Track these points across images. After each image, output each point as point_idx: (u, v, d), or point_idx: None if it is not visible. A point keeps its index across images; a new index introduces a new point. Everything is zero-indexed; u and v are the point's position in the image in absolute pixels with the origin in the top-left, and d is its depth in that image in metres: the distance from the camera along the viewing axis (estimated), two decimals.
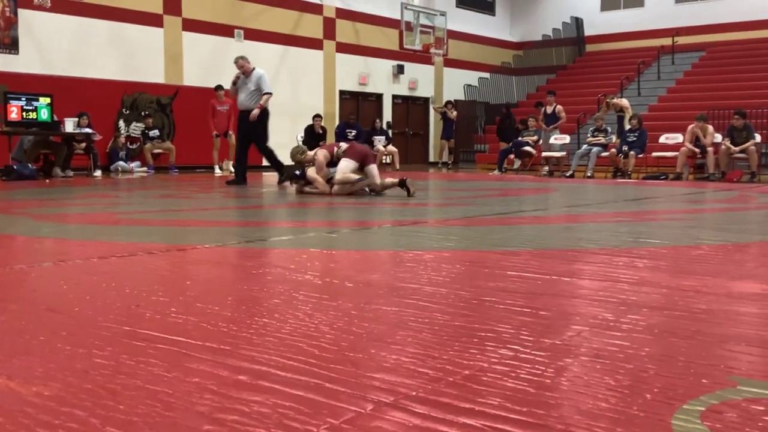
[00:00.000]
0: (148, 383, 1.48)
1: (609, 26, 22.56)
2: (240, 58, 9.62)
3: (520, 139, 15.13)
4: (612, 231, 4.69)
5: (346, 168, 7.54)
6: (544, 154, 14.65)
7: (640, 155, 13.09)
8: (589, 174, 13.26)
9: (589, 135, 14.23)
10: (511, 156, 15.35)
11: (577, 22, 22.94)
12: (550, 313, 2.16)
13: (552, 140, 14.59)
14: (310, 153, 7.91)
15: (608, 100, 14.35)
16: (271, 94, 9.60)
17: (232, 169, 13.42)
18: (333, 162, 7.67)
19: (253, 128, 9.40)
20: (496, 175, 13.77)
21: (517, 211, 6.16)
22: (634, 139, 13.06)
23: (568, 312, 2.21)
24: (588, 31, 23.05)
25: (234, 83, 9.65)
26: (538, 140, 14.89)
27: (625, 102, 14.35)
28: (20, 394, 1.42)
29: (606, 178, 12.92)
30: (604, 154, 13.53)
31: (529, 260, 3.23)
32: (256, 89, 9.41)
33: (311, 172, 7.72)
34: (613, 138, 13.79)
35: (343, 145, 7.84)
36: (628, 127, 13.40)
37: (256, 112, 9.28)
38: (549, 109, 14.72)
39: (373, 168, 7.64)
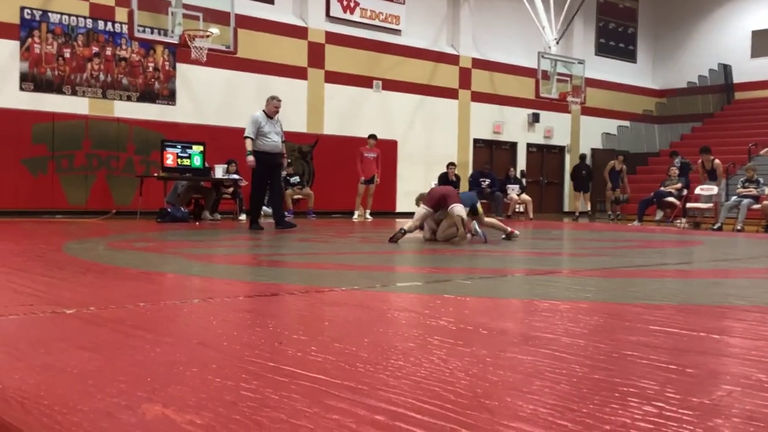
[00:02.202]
0: (291, 417, 1.54)
1: (760, 73, 21.40)
2: (280, 99, 9.58)
3: (662, 189, 14.54)
4: (765, 288, 4.39)
5: (417, 214, 7.59)
6: (689, 205, 13.99)
7: None
8: (738, 227, 12.50)
9: (739, 186, 13.46)
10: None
11: (725, 69, 21.94)
12: (697, 370, 2.06)
13: (698, 190, 13.94)
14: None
15: None
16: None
17: (369, 217, 13.78)
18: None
19: (278, 172, 9.65)
20: (635, 226, 13.27)
21: (659, 263, 5.90)
22: None
23: (717, 370, 2.09)
24: (737, 78, 21.98)
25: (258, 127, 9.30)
26: (682, 189, 14.25)
27: None
28: (175, 422, 1.51)
29: (757, 232, 12.13)
30: (756, 206, 12.73)
31: (673, 315, 3.09)
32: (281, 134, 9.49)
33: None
34: (766, 189, 12.97)
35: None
36: None
37: (284, 162, 9.78)
38: (708, 165, 14.02)
39: (455, 207, 7.32)
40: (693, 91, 22.27)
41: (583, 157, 18.12)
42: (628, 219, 15.66)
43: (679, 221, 13.86)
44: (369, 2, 16.44)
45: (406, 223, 7.59)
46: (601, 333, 2.68)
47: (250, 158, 9.21)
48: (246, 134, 9.33)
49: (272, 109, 9.48)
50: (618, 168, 16.64)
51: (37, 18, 12.36)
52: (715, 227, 12.71)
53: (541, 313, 3.09)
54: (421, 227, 7.87)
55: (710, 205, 13.72)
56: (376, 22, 16.60)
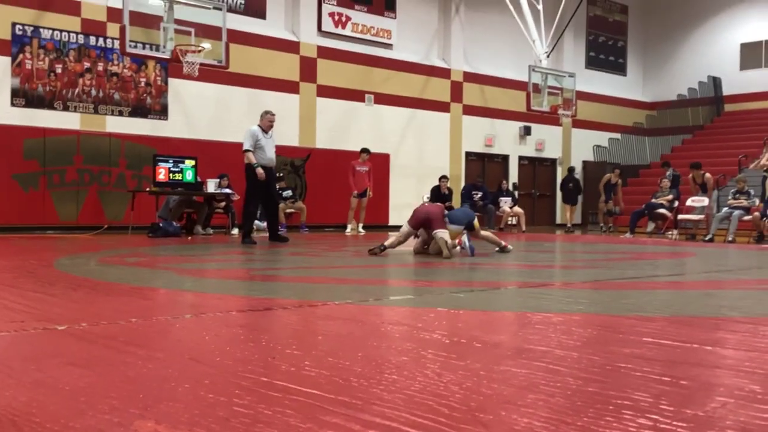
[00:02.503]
0: None
1: (749, 85, 21.58)
2: (274, 114, 9.78)
3: (653, 200, 14.60)
4: (757, 299, 4.41)
5: (401, 231, 7.79)
6: (680, 216, 14.05)
7: None
8: (730, 238, 12.56)
9: (730, 197, 13.54)
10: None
11: (715, 82, 22.12)
12: (691, 382, 2.06)
13: (690, 202, 14.02)
14: None
15: None
16: None
17: (362, 230, 13.77)
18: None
19: (275, 186, 9.94)
20: (627, 238, 13.31)
21: (652, 275, 5.91)
22: None
23: (710, 382, 2.09)
24: (726, 91, 22.15)
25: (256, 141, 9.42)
26: (673, 201, 14.32)
27: None
28: None
29: (749, 243, 12.19)
30: (747, 217, 12.80)
31: (665, 327, 3.09)
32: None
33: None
34: (757, 201, 13.05)
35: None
36: None
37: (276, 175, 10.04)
38: (699, 180, 14.14)
39: (439, 233, 7.32)
40: (683, 104, 22.43)
41: (571, 169, 18.19)
42: (620, 231, 15.71)
43: (670, 233, 13.91)
44: (360, 17, 16.52)
45: (388, 239, 7.70)
46: (594, 345, 2.68)
47: (260, 170, 9.27)
48: (245, 148, 9.37)
49: (267, 123, 9.54)
50: (614, 181, 16.70)
51: (29, 34, 12.35)
52: (707, 239, 12.76)
53: (534, 326, 3.09)
54: (416, 236, 7.93)
55: (702, 216, 13.79)
56: (368, 37, 16.68)
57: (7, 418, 1.63)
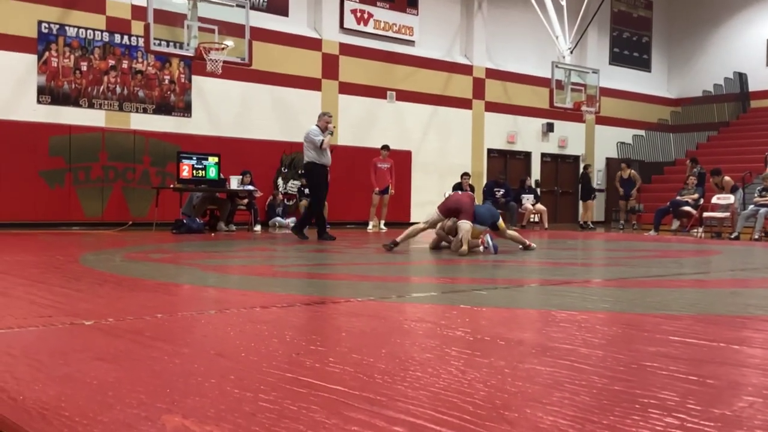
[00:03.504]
0: (310, 428, 1.54)
1: None
2: (331, 115, 10.17)
3: (678, 198, 14.46)
4: None
5: (428, 217, 7.87)
6: (706, 214, 13.90)
7: None
8: (756, 236, 12.39)
9: (756, 195, 13.36)
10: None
11: (741, 78, 21.82)
12: (717, 381, 2.04)
13: (715, 200, 13.86)
14: None
15: None
16: None
17: (384, 227, 13.77)
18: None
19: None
20: (652, 236, 13.19)
21: (677, 273, 5.86)
22: None
23: (738, 381, 2.07)
24: (753, 87, 21.83)
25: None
26: (699, 198, 14.16)
27: None
28: None
29: None
30: None
31: (692, 325, 3.06)
32: None
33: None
34: None
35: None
36: None
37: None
38: (721, 184, 14.03)
39: (462, 224, 7.39)
40: (708, 100, 22.15)
41: (586, 167, 18.09)
42: (644, 229, 15.58)
43: (695, 231, 13.77)
44: (382, 14, 16.51)
45: (403, 234, 7.90)
46: (619, 343, 2.67)
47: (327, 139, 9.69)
48: (320, 139, 9.73)
49: (324, 123, 9.83)
50: (625, 176, 16.56)
51: (55, 32, 12.49)
52: (732, 237, 12.61)
53: (558, 324, 3.08)
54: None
55: (727, 214, 13.63)
56: (390, 33, 16.66)
57: (37, 411, 1.65)
